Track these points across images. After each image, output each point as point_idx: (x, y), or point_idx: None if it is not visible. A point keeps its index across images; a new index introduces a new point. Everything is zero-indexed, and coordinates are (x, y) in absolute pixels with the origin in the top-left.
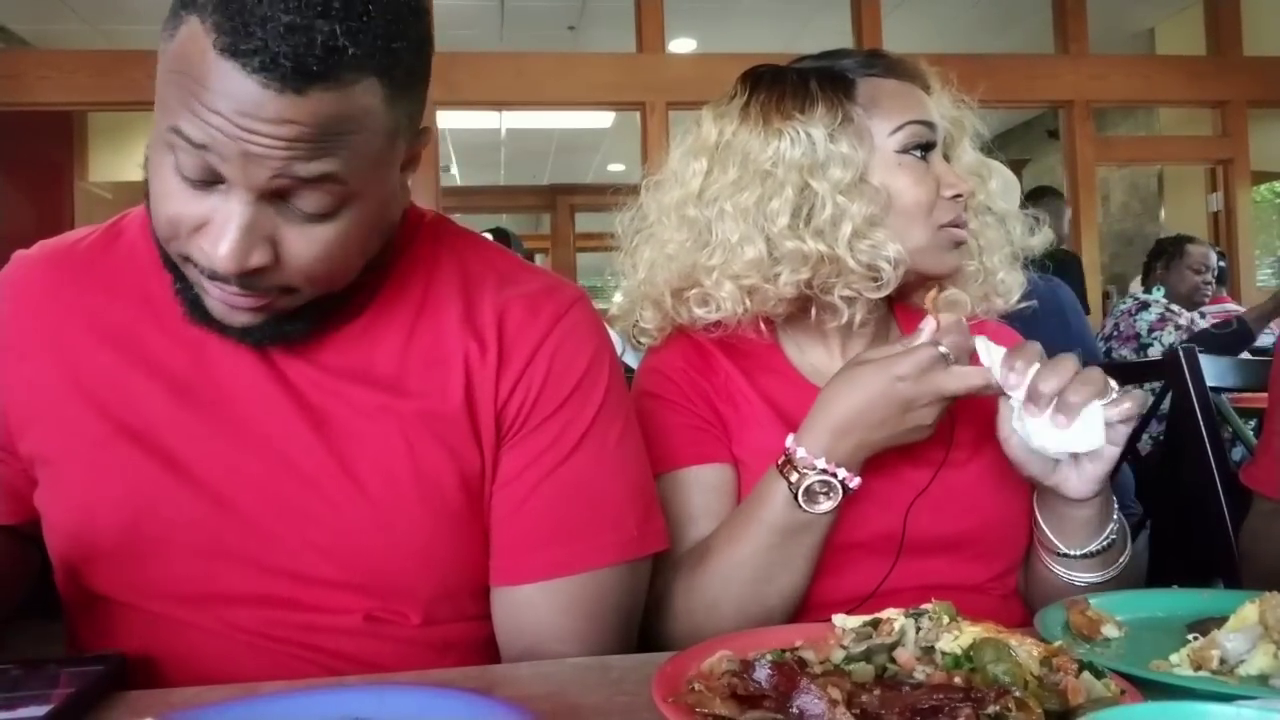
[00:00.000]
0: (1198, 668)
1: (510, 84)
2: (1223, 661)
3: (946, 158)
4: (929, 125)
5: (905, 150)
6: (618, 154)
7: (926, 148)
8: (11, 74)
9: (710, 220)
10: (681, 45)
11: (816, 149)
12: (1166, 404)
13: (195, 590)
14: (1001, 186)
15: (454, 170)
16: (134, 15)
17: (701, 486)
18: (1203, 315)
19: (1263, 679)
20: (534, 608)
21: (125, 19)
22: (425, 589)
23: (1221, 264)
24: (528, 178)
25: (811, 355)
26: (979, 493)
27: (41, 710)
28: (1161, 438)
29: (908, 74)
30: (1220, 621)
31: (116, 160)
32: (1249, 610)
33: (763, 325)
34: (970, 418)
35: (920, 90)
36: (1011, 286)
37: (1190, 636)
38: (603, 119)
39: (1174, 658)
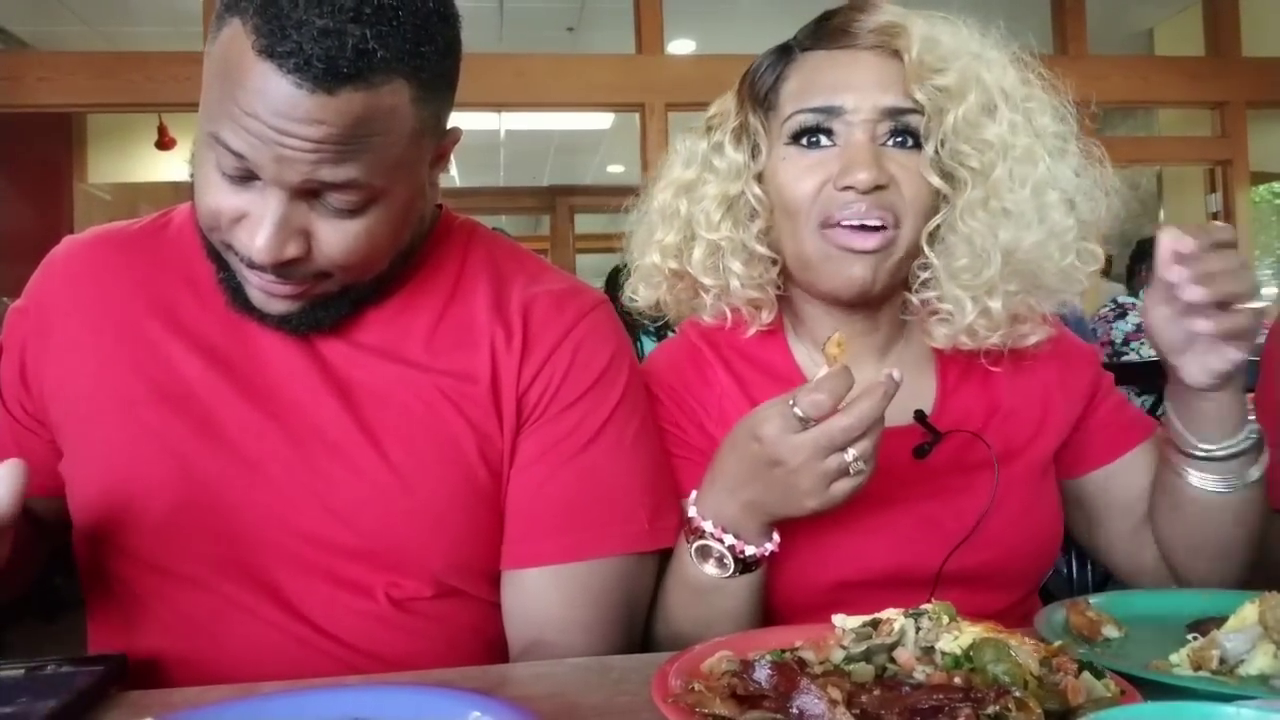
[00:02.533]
0: (1198, 668)
1: (509, 85)
2: (1223, 661)
3: (921, 137)
4: (824, 112)
5: (791, 141)
6: (617, 155)
7: (820, 133)
8: (11, 75)
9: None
10: (681, 46)
11: (692, 165)
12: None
13: (218, 554)
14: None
15: (453, 171)
16: (134, 17)
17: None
18: None
19: (1263, 679)
20: (541, 592)
21: (125, 20)
22: (439, 558)
23: None
24: (527, 179)
25: (818, 364)
26: (1005, 525)
27: (42, 710)
28: None
29: (854, 38)
30: (1220, 621)
31: (116, 162)
32: (1249, 610)
33: (763, 322)
34: (993, 437)
35: (868, 56)
36: (962, 314)
37: (1190, 636)
38: (602, 120)
39: (1174, 658)
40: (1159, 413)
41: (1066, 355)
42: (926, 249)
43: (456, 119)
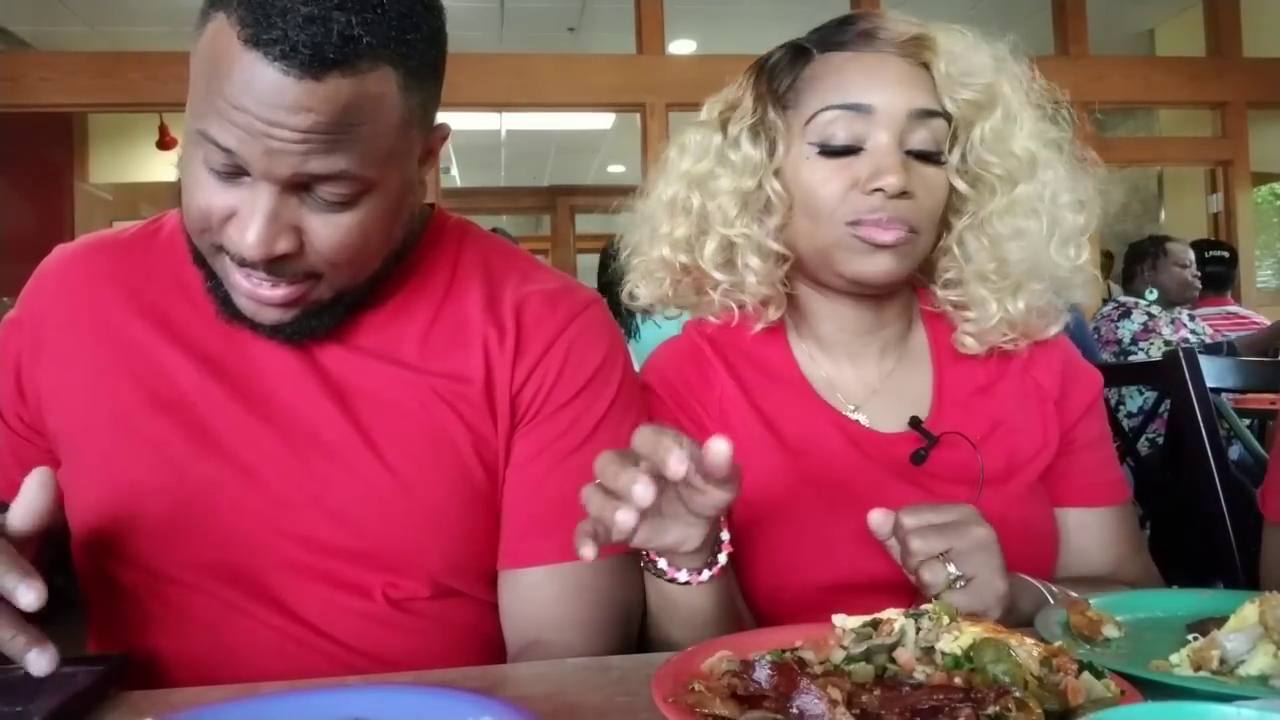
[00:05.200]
0: (1198, 668)
1: (510, 85)
2: (1223, 661)
3: (945, 145)
4: (854, 109)
5: (815, 141)
6: (618, 155)
7: (845, 141)
8: (12, 76)
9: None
10: (681, 46)
11: (704, 158)
12: (1165, 405)
13: (216, 559)
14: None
15: (454, 172)
16: (134, 16)
17: None
18: (1192, 317)
19: (1263, 679)
20: (538, 591)
21: (125, 20)
22: (436, 558)
23: (1217, 268)
24: (528, 179)
25: (822, 364)
26: (1006, 541)
27: (42, 710)
28: (1160, 439)
29: (881, 44)
30: (1220, 621)
31: (116, 161)
32: (1249, 610)
33: (770, 319)
34: (995, 451)
35: (897, 61)
36: (986, 316)
37: (1190, 636)
38: (603, 120)
39: (1174, 658)
40: (1160, 411)
41: (1074, 375)
42: (956, 250)
43: (457, 119)
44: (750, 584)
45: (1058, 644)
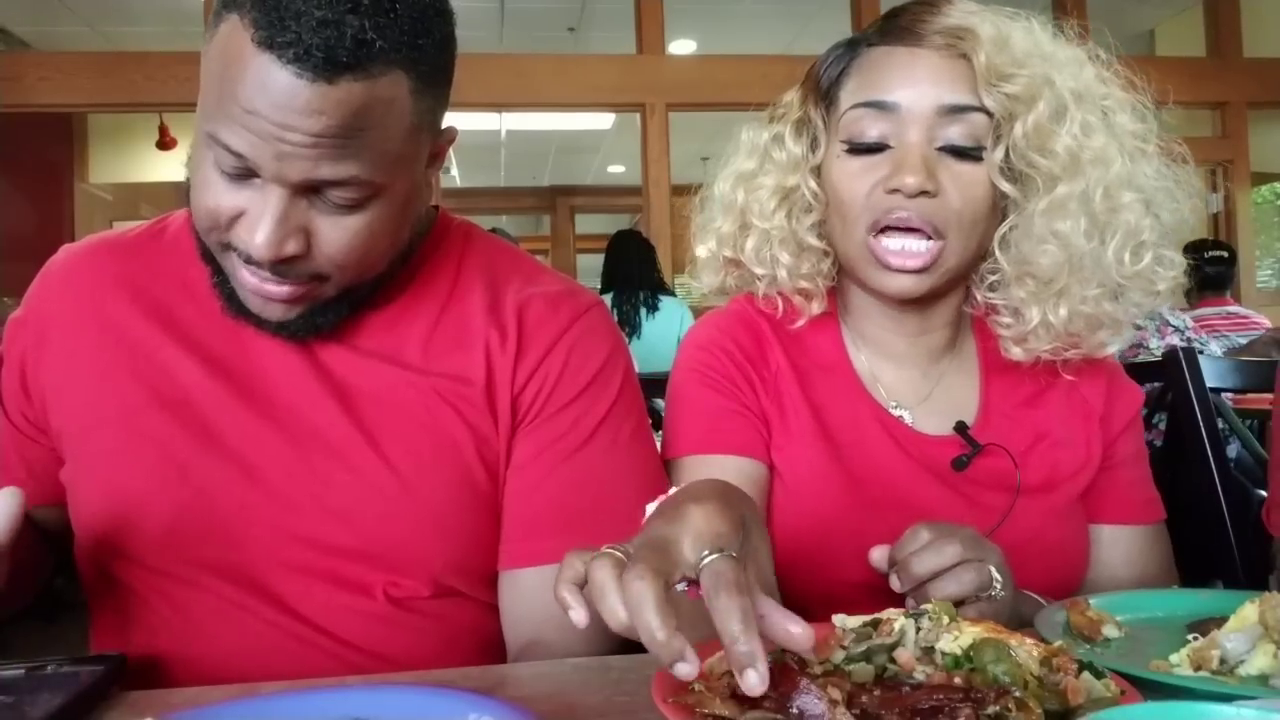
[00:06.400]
0: (1198, 668)
1: (510, 86)
2: (1223, 661)
3: (987, 140)
4: (878, 106)
5: (845, 139)
6: (618, 155)
7: (873, 139)
8: (11, 76)
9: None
10: (681, 46)
11: (753, 156)
12: (1159, 418)
13: (218, 558)
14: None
15: (454, 172)
16: (134, 17)
17: (731, 477)
18: (1173, 309)
19: (1263, 679)
20: (538, 592)
21: (125, 20)
22: (437, 558)
23: (1217, 268)
24: (528, 179)
25: (867, 358)
26: (1039, 554)
27: (42, 710)
28: (1157, 442)
29: (918, 38)
30: (1220, 621)
31: (116, 161)
32: (1249, 610)
33: (813, 313)
34: (1038, 464)
35: (931, 55)
36: (1024, 321)
37: (1190, 636)
38: (603, 120)
39: (1174, 658)
40: (1155, 421)
41: (1118, 391)
42: (998, 252)
43: (457, 119)
44: (785, 576)
45: (1058, 644)
